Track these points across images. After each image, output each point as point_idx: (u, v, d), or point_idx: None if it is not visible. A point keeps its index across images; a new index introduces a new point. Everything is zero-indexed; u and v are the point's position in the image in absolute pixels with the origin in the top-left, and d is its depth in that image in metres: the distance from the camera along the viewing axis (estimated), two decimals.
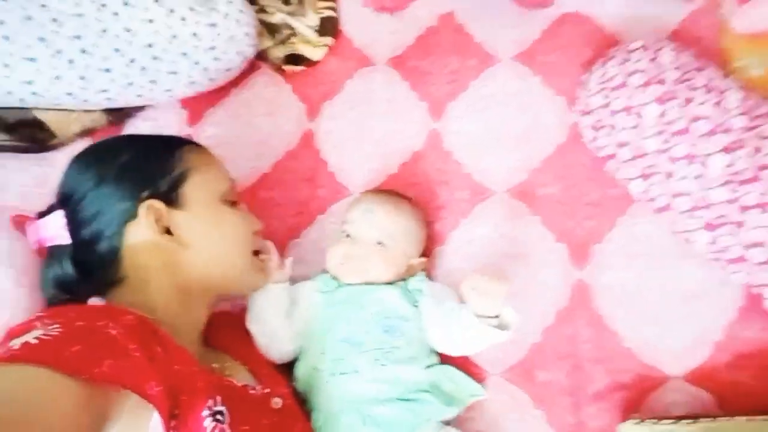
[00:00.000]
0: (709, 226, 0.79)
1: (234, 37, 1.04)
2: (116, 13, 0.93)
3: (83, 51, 0.92)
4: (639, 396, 0.74)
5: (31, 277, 0.85)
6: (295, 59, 1.13)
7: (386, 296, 0.78)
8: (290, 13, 1.15)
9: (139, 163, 0.69)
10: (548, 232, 0.89)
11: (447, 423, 0.75)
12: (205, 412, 0.53)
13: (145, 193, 0.67)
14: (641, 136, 0.85)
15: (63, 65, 0.92)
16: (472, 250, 0.90)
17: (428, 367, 0.76)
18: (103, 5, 0.93)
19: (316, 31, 1.15)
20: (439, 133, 1.02)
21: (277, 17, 1.15)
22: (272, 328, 0.77)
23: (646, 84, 0.85)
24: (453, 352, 0.79)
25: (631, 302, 0.81)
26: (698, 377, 0.74)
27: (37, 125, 0.97)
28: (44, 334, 0.47)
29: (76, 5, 0.91)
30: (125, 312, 0.56)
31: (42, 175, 0.95)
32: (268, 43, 1.15)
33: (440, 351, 0.79)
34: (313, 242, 0.95)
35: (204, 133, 1.10)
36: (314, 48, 1.13)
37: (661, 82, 0.85)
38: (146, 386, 0.49)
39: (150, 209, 0.66)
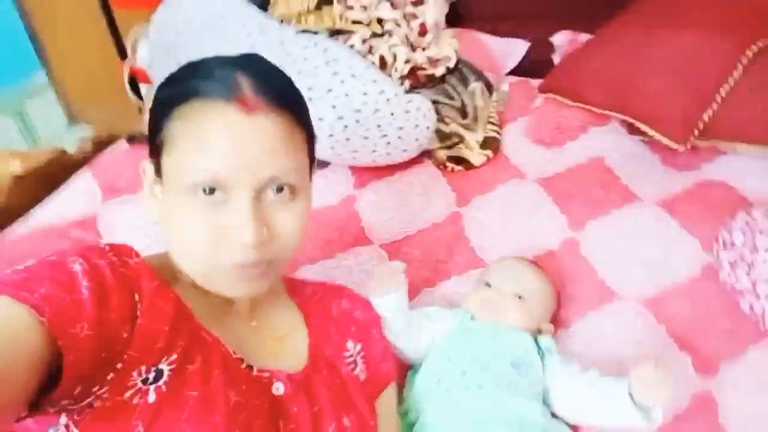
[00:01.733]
0: None
1: (419, 126, 1.26)
2: (343, 81, 1.19)
3: (309, 99, 1.16)
4: None
5: None
6: (456, 160, 1.32)
7: (518, 339, 0.82)
8: (463, 126, 1.37)
9: (150, 120, 0.59)
10: (673, 342, 0.91)
11: None
12: (135, 372, 0.50)
13: (154, 153, 0.59)
14: None
15: None
16: (595, 341, 0.93)
17: (544, 414, 0.76)
18: (335, 73, 1.19)
19: (479, 143, 1.35)
20: (576, 241, 1.11)
21: (451, 127, 1.37)
22: (396, 331, 0.81)
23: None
24: (571, 417, 0.79)
25: (762, 426, 0.79)
26: None
27: None
28: (16, 268, 0.48)
29: (316, 67, 1.18)
30: (124, 254, 0.55)
31: None
32: (436, 144, 1.36)
33: (557, 413, 0.80)
34: (446, 293, 1.02)
35: (364, 197, 1.27)
36: (477, 155, 1.32)
37: None
38: (71, 325, 0.45)
39: (144, 172, 0.61)
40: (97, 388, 0.48)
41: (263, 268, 0.57)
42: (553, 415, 0.80)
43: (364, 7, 1.35)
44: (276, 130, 0.55)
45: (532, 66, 1.58)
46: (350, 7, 1.35)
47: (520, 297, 0.87)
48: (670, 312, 0.96)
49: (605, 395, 0.75)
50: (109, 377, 0.48)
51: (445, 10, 1.49)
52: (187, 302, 0.58)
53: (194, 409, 0.51)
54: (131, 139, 1.13)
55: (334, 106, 1.18)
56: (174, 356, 0.52)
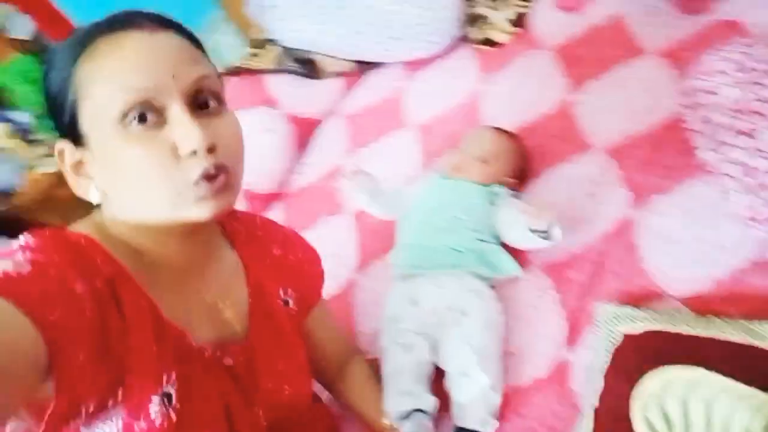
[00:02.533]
0: (751, 189, 0.92)
1: (441, 19, 1.48)
2: None
3: (348, 17, 1.48)
4: (636, 303, 0.93)
5: None
6: (486, 41, 1.52)
7: (470, 190, 1.11)
8: (491, 7, 1.53)
9: (46, 94, 0.58)
10: (622, 181, 1.09)
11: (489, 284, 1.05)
12: (156, 398, 0.54)
13: (66, 127, 0.57)
14: (721, 114, 1.00)
15: (336, 28, 1.49)
16: (557, 186, 1.16)
17: (481, 240, 1.07)
18: None
19: (509, 21, 1.50)
20: (570, 102, 1.28)
21: (479, 9, 1.54)
22: (376, 212, 1.19)
23: (737, 71, 1.00)
24: (510, 242, 1.08)
25: (666, 241, 0.98)
26: (692, 302, 0.90)
27: (312, 63, 1.57)
28: (15, 270, 0.47)
29: None
30: (99, 264, 0.55)
31: (310, 91, 1.55)
32: (469, 28, 1.55)
33: (505, 241, 1.09)
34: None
35: (412, 86, 1.56)
36: (502, 33, 1.49)
37: (752, 71, 0.99)
38: (73, 352, 0.47)
39: (59, 154, 0.58)
40: (94, 408, 0.51)
41: (223, 178, 0.56)
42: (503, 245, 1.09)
43: None
44: (180, 44, 0.57)
45: None
46: None
47: (483, 160, 1.14)
48: (630, 154, 1.12)
49: (518, 223, 1.02)
50: (110, 403, 0.52)
51: None
52: (145, 281, 0.59)
53: (200, 413, 0.59)
54: (227, 72, 1.59)
55: (366, 18, 1.47)
56: (173, 375, 0.56)
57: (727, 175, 0.97)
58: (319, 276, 0.89)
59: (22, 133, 2.08)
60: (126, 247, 0.60)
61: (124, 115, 0.53)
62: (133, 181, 0.55)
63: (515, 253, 1.08)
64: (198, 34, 0.62)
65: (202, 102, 0.58)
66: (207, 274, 0.68)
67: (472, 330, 0.95)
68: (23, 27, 2.25)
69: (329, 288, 1.04)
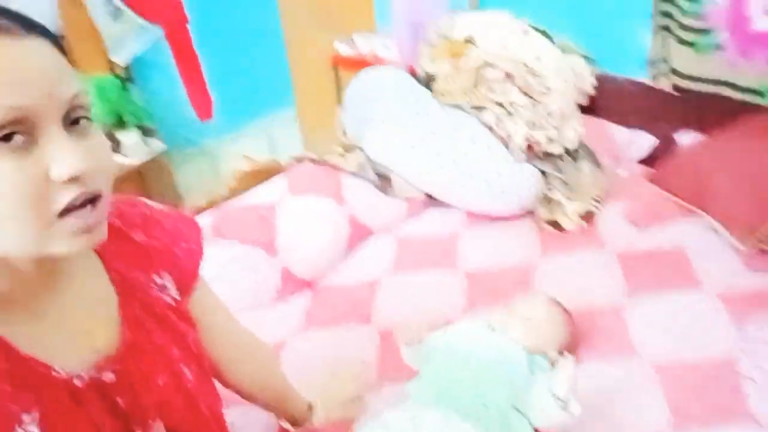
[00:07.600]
0: None
1: (519, 189, 1.57)
2: (465, 145, 1.57)
3: (437, 154, 1.57)
4: None
5: None
6: (553, 224, 1.59)
7: (517, 352, 1.08)
8: (567, 197, 1.63)
9: None
10: (664, 400, 1.07)
11: None
12: None
13: None
14: None
15: (422, 158, 1.58)
16: (594, 380, 1.13)
17: (514, 408, 1.01)
18: (460, 138, 1.58)
19: (578, 214, 1.59)
20: (624, 306, 1.30)
21: (555, 194, 1.64)
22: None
23: None
24: (534, 418, 1.03)
25: None
26: None
27: (389, 180, 1.64)
28: None
29: (448, 137, 1.58)
30: None
31: (376, 203, 1.60)
32: (540, 207, 1.64)
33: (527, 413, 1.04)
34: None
35: (471, 237, 1.61)
36: (569, 221, 1.57)
37: None
38: None
39: None
40: None
41: (97, 207, 0.51)
42: None
43: (503, 92, 1.71)
44: (52, 54, 0.50)
45: (658, 159, 1.74)
46: (492, 90, 1.72)
47: (532, 324, 1.13)
48: (676, 378, 1.11)
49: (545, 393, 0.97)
50: None
51: (578, 100, 1.77)
52: None
53: None
54: (314, 161, 1.66)
55: (454, 160, 1.57)
56: (36, 413, 0.51)
57: None
58: (194, 253, 0.76)
59: None
60: None
61: None
62: None
63: None
64: None
65: (74, 119, 0.51)
66: (68, 290, 0.60)
67: None
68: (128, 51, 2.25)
69: None
